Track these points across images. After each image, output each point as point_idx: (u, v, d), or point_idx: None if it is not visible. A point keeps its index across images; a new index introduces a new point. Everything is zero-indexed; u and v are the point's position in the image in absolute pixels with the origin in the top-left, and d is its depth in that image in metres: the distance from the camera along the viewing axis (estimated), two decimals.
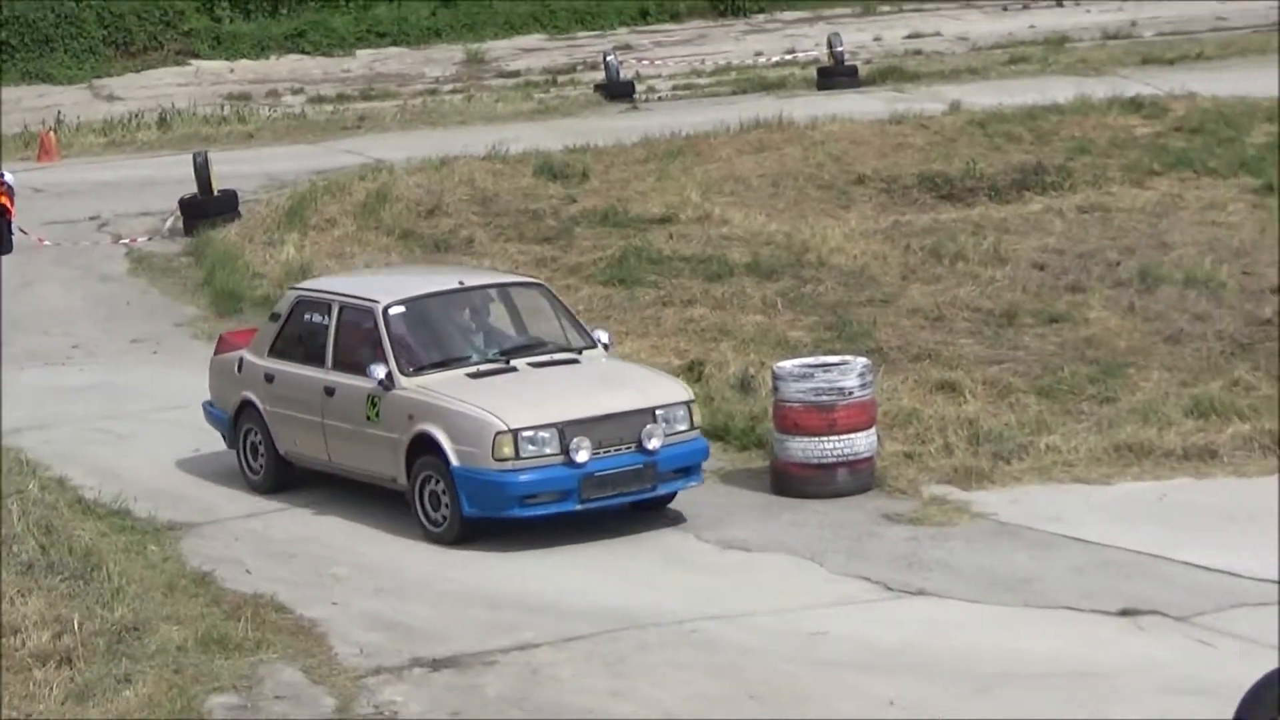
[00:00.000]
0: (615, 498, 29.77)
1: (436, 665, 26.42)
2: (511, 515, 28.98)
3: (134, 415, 40.40)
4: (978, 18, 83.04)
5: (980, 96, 62.49)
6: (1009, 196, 49.10)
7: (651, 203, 49.01)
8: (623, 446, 29.18)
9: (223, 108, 72.71)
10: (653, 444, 29.30)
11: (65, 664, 25.50)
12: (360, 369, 29.94)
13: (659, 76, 70.21)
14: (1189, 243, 43.54)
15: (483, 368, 30.36)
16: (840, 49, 69.33)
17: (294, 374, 30.72)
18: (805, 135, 57.14)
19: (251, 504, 33.96)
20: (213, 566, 30.72)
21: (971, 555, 31.01)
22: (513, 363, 30.77)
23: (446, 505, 29.04)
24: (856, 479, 34.40)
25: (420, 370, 29.75)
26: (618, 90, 66.17)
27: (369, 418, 29.58)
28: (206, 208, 54.80)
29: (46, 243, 57.01)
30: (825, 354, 38.14)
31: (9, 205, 54.77)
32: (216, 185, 53.92)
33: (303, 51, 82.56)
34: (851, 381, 34.02)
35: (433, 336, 30.56)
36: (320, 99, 72.58)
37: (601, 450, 28.96)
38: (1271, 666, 21.81)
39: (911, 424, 36.76)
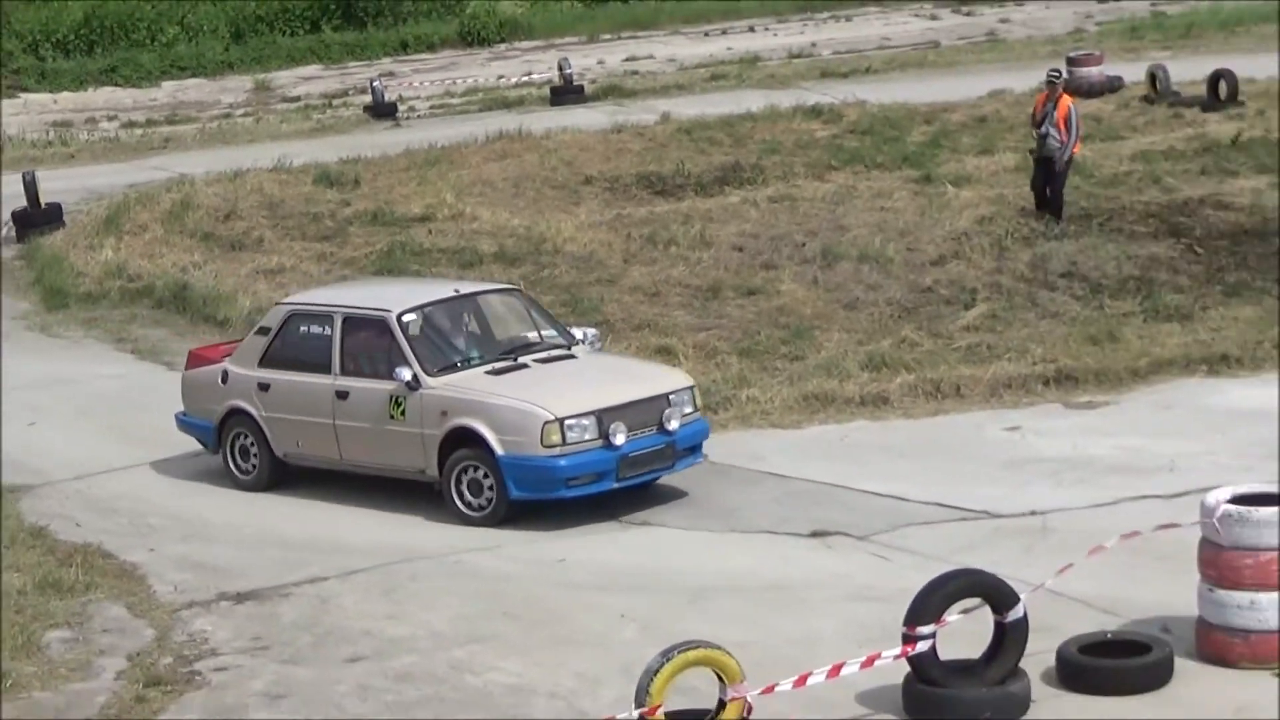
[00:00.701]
0: (643, 476, 29.36)
1: (239, 598, 26.54)
2: (557, 496, 28.37)
3: None
4: (684, 42, 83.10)
5: (687, 108, 62.73)
6: (712, 191, 49.33)
7: (413, 204, 49.18)
8: (648, 429, 28.86)
9: (48, 133, 72.19)
10: (672, 425, 29.17)
11: None
12: (374, 373, 29.30)
13: (418, 98, 70.36)
14: (862, 225, 44.00)
15: (497, 365, 29.60)
16: (569, 71, 69.65)
17: (296, 381, 29.73)
18: (541, 144, 57.28)
19: (78, 468, 33.41)
20: (47, 522, 30.41)
21: (687, 490, 31.06)
22: (520, 360, 30.09)
23: (489, 490, 28.18)
24: None
25: (444, 370, 28.90)
26: (383, 110, 66.44)
27: (392, 416, 28.78)
28: (35, 219, 53.14)
29: None
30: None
31: None
32: (44, 199, 53.32)
33: (116, 84, 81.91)
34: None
35: (445, 340, 29.79)
36: (132, 124, 72.11)
37: (632, 433, 28.59)
38: (935, 574, 22.46)
39: None
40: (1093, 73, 58.47)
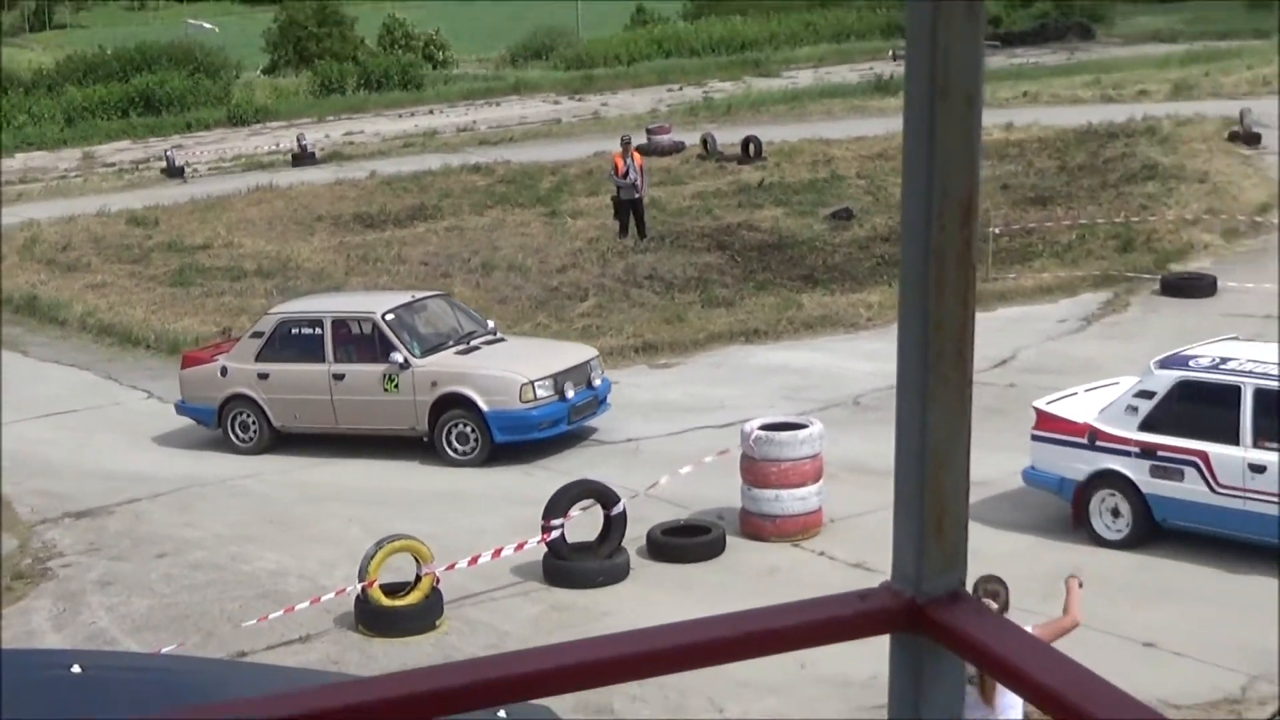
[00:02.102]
0: (581, 420, 28.52)
1: (78, 516, 26.24)
2: (531, 439, 27.54)
3: None
4: (385, 122, 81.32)
5: (387, 167, 61.38)
6: (405, 224, 48.99)
7: (197, 237, 48.07)
8: (581, 386, 28.21)
9: None
10: (596, 383, 28.67)
11: None
12: (363, 359, 28.42)
13: (199, 163, 68.56)
14: (509, 246, 43.49)
15: (459, 348, 28.67)
16: (305, 143, 68.44)
17: (293, 370, 28.53)
18: (286, 194, 55.76)
19: None
20: None
21: None
22: (473, 343, 29.05)
23: (475, 438, 27.48)
24: None
25: (427, 353, 28.05)
26: (174, 172, 64.63)
27: (386, 389, 27.91)
28: None
29: None
30: None
31: None
32: None
33: None
34: None
35: (416, 331, 28.69)
36: None
37: (574, 389, 28.20)
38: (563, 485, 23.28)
39: None
40: (664, 139, 58.70)
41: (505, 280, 39.41)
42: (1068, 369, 29.72)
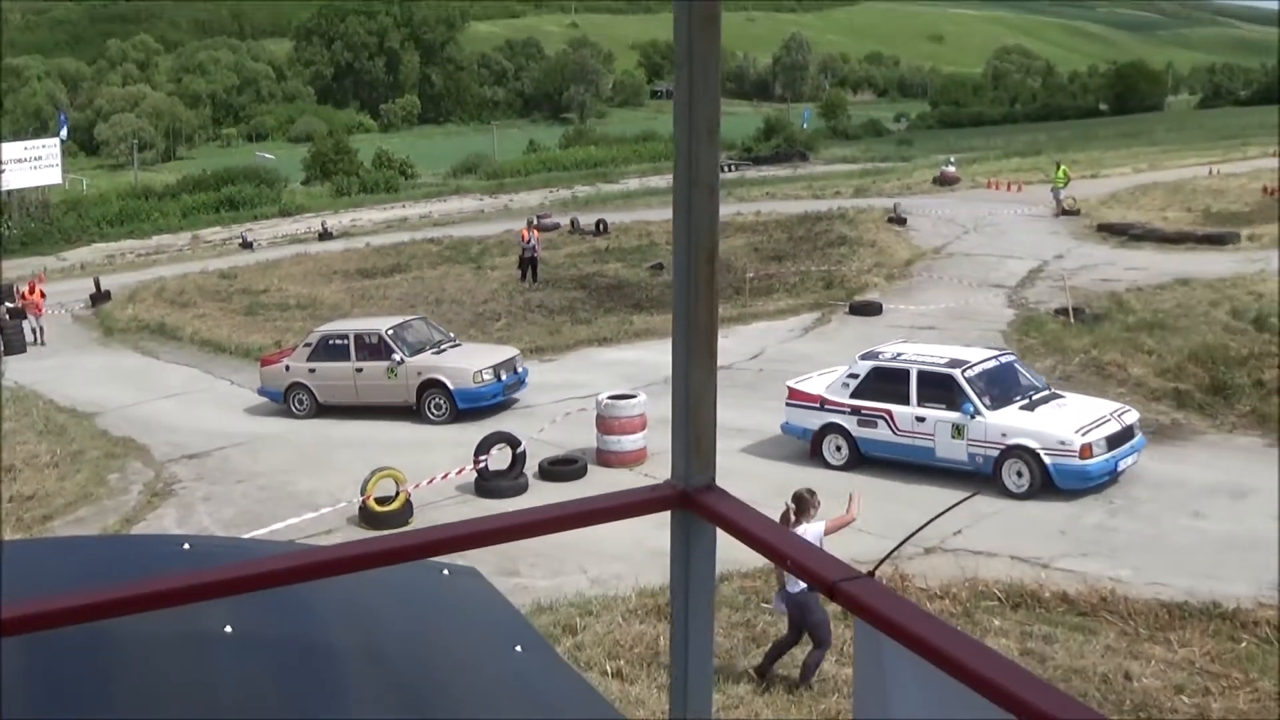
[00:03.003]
0: (510, 395, 28.21)
1: (190, 457, 25.64)
2: (481, 406, 27.19)
3: None
4: (376, 212, 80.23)
5: (378, 240, 61.11)
6: (388, 275, 48.30)
7: (260, 285, 47.62)
8: (510, 373, 27.90)
9: None
10: (520, 370, 28.31)
11: None
12: (374, 358, 28.11)
13: (262, 239, 67.65)
14: (452, 288, 43.17)
15: (433, 351, 28.48)
16: (327, 226, 68.35)
17: (331, 367, 28.41)
18: (315, 258, 55.58)
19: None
20: (105, 428, 28.58)
21: None
22: (441, 348, 28.85)
23: (445, 409, 27.34)
24: None
25: (414, 354, 27.97)
26: (246, 245, 64.29)
27: (389, 377, 27.83)
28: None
29: None
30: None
31: None
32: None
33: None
34: None
35: (407, 341, 28.41)
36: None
37: (506, 374, 27.86)
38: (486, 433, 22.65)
39: None
40: (548, 221, 58.50)
41: (450, 309, 39.13)
42: (794, 359, 29.75)
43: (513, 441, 22.53)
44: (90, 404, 30.85)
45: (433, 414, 27.71)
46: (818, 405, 22.50)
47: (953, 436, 20.89)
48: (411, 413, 27.79)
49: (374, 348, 28.47)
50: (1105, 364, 26.82)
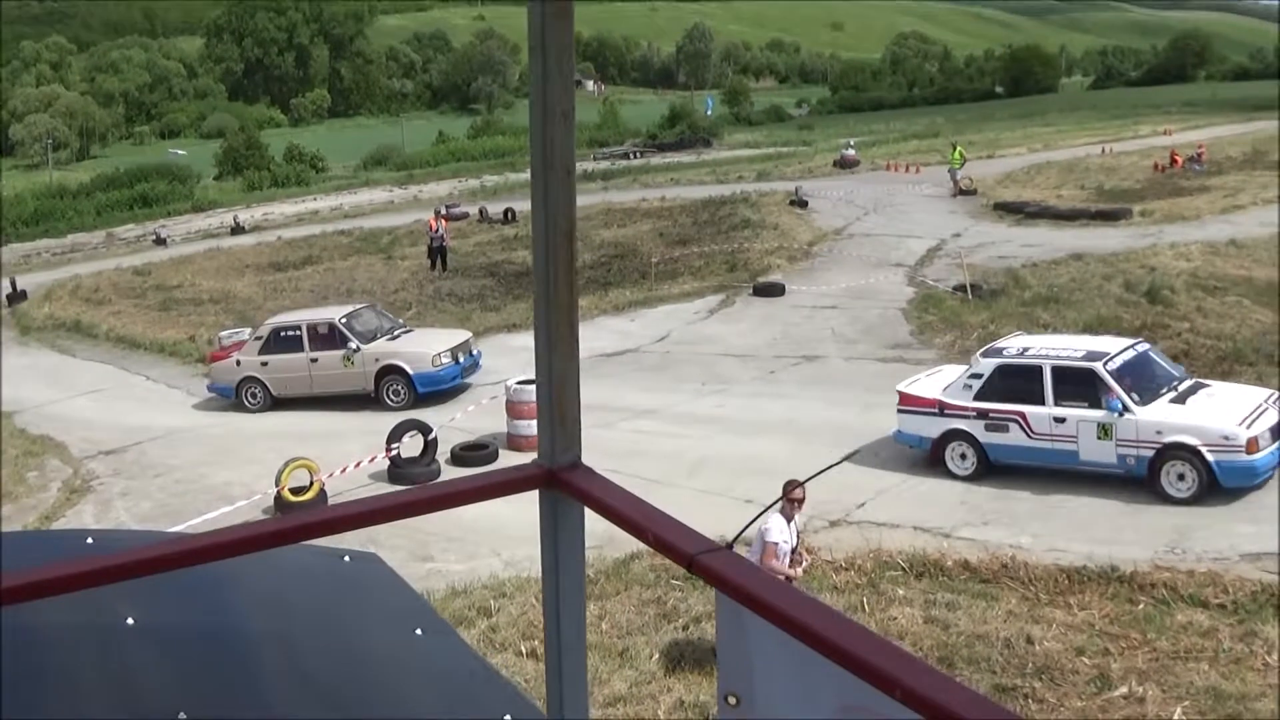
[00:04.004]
0: (467, 378, 27.54)
1: (108, 453, 25.25)
2: (440, 389, 26.75)
3: None
4: (287, 206, 79.88)
5: (289, 234, 60.73)
6: (300, 268, 48.33)
7: (174, 281, 46.97)
8: (465, 355, 27.30)
9: None
10: (475, 352, 27.76)
11: None
12: (329, 347, 27.52)
13: (176, 235, 67.30)
14: (363, 278, 43.01)
15: (388, 337, 27.96)
16: (239, 220, 67.98)
17: (284, 359, 27.73)
18: (227, 252, 55.41)
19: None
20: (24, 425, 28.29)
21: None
22: (395, 334, 28.38)
23: (404, 393, 26.74)
24: None
25: (369, 341, 27.45)
26: (160, 242, 62.43)
27: (346, 365, 27.22)
28: None
29: None
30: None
31: None
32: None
33: None
34: None
35: (362, 328, 27.88)
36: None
37: (463, 357, 27.38)
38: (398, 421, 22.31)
39: None
40: (456, 211, 58.32)
41: (361, 300, 38.59)
42: (700, 341, 30.02)
43: (424, 429, 22.57)
44: (8, 402, 30.50)
45: (391, 400, 27.21)
46: (935, 410, 19.95)
47: (1099, 437, 18.60)
48: (370, 400, 27.43)
49: (327, 337, 28.03)
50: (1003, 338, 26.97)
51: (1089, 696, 12.31)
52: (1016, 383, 19.41)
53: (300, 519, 2.40)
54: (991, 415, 19.36)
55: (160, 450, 25.41)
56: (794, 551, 12.48)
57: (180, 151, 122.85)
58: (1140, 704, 12.08)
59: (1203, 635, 13.47)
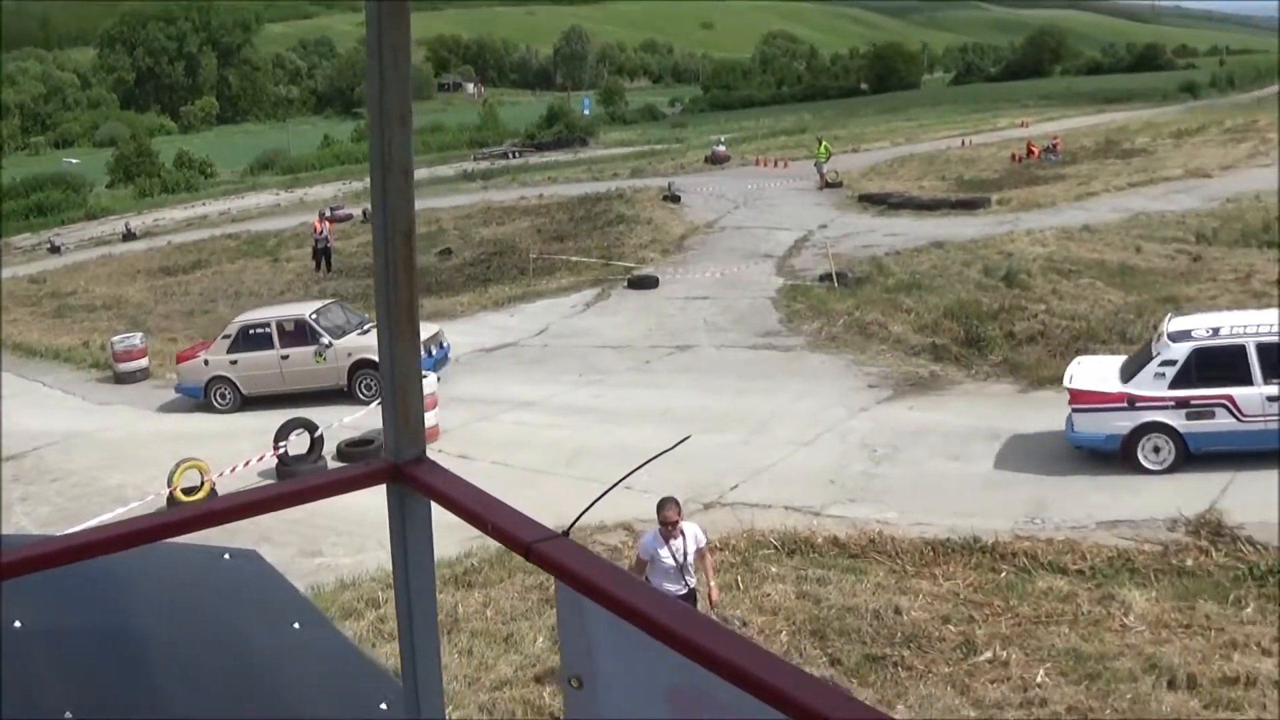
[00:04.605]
0: (439, 370, 25.82)
1: (6, 460, 23.75)
2: None
3: None
4: (178, 211, 78.58)
5: (179, 238, 60.08)
6: (190, 271, 48.10)
7: (68, 287, 46.19)
8: (437, 346, 26.19)
9: None
10: (446, 345, 26.76)
11: None
12: (298, 343, 26.56)
13: (70, 243, 66.04)
14: (251, 280, 42.77)
15: (358, 332, 26.69)
16: (131, 227, 66.88)
17: (254, 356, 26.73)
18: (120, 259, 54.48)
19: None
20: None
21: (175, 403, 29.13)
22: (366, 328, 26.90)
23: (377, 388, 24.24)
24: None
25: (340, 336, 26.46)
26: (55, 250, 61.77)
27: (318, 361, 26.27)
28: None
29: None
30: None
31: None
32: None
33: None
34: None
35: (332, 323, 26.87)
36: None
37: (435, 349, 26.00)
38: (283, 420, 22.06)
39: None
40: (341, 213, 57.76)
41: (249, 301, 38.40)
42: (577, 334, 29.98)
43: (310, 426, 22.30)
44: None
45: (364, 394, 26.25)
46: (1124, 405, 18.14)
47: None
48: (342, 395, 26.49)
49: (296, 334, 27.15)
50: (868, 323, 27.32)
51: (955, 662, 12.45)
52: (1217, 366, 17.93)
53: (154, 520, 2.34)
54: (1194, 403, 17.82)
55: (57, 455, 24.86)
56: (683, 568, 12.01)
57: (74, 161, 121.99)
58: (1005, 667, 12.26)
59: (1062, 600, 13.72)
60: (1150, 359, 18.39)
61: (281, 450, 21.78)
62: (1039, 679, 11.95)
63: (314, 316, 27.41)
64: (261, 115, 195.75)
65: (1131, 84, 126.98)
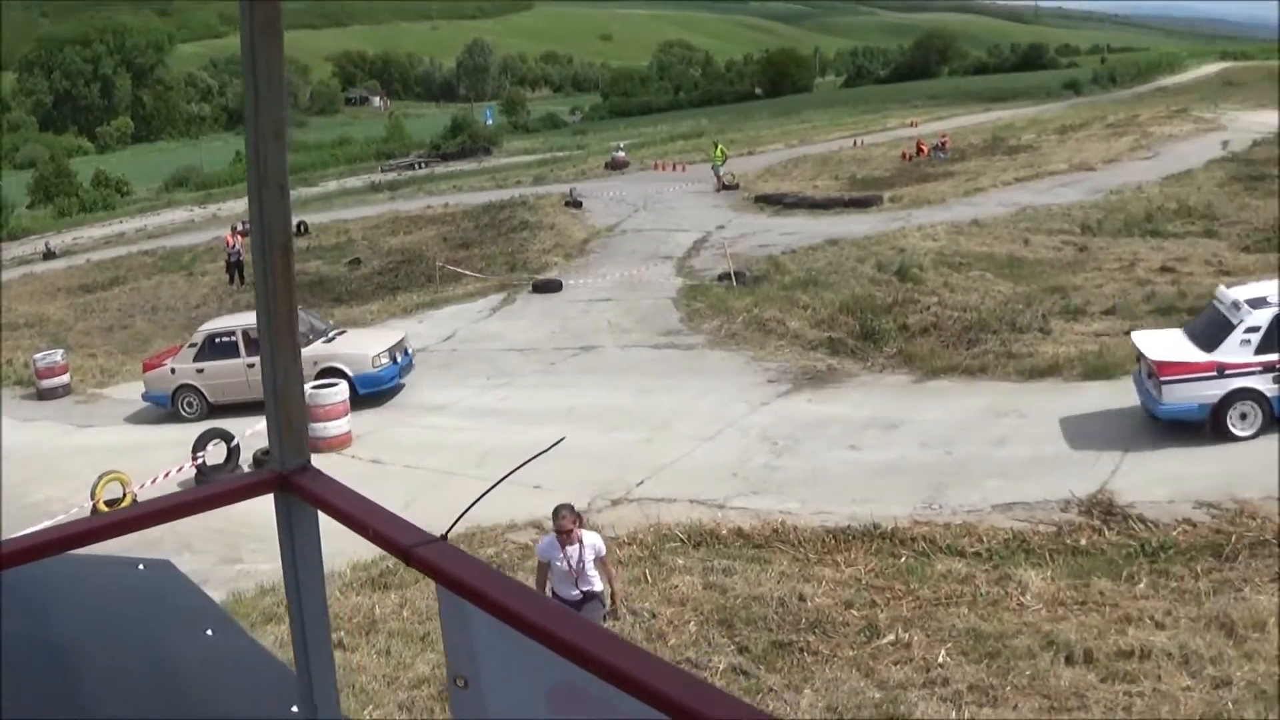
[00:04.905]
0: (402, 378, 25.61)
1: None
2: (379, 390, 24.91)
3: None
4: (96, 229, 77.46)
5: (98, 256, 59.07)
6: (108, 288, 47.28)
7: None
8: (401, 354, 25.31)
9: None
10: (410, 351, 25.99)
11: None
12: None
13: None
14: (168, 295, 42.14)
15: (324, 339, 25.96)
16: (51, 246, 66.07)
17: (221, 365, 25.95)
18: (40, 277, 53.26)
19: None
20: None
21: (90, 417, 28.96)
22: (330, 336, 26.45)
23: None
24: None
25: (305, 344, 25.33)
26: None
27: None
28: None
29: None
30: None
31: None
32: None
33: None
34: None
35: (300, 331, 26.21)
36: None
37: (400, 356, 25.58)
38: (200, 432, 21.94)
39: None
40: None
41: (165, 316, 38.19)
42: (484, 339, 29.85)
43: (226, 436, 22.08)
44: None
45: None
46: (1213, 374, 17.69)
47: None
48: None
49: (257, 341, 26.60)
50: (766, 320, 27.44)
51: (859, 645, 12.52)
52: None
53: (61, 531, 2.37)
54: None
55: None
56: (580, 574, 11.71)
57: None
58: (907, 649, 12.35)
59: (961, 582, 13.84)
60: (1230, 326, 17.93)
61: (200, 460, 21.57)
62: (940, 659, 12.02)
63: None
64: (175, 133, 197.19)
65: (1017, 83, 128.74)
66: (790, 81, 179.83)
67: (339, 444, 22.39)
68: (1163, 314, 24.58)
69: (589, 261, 39.17)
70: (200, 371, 26.62)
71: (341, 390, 23.00)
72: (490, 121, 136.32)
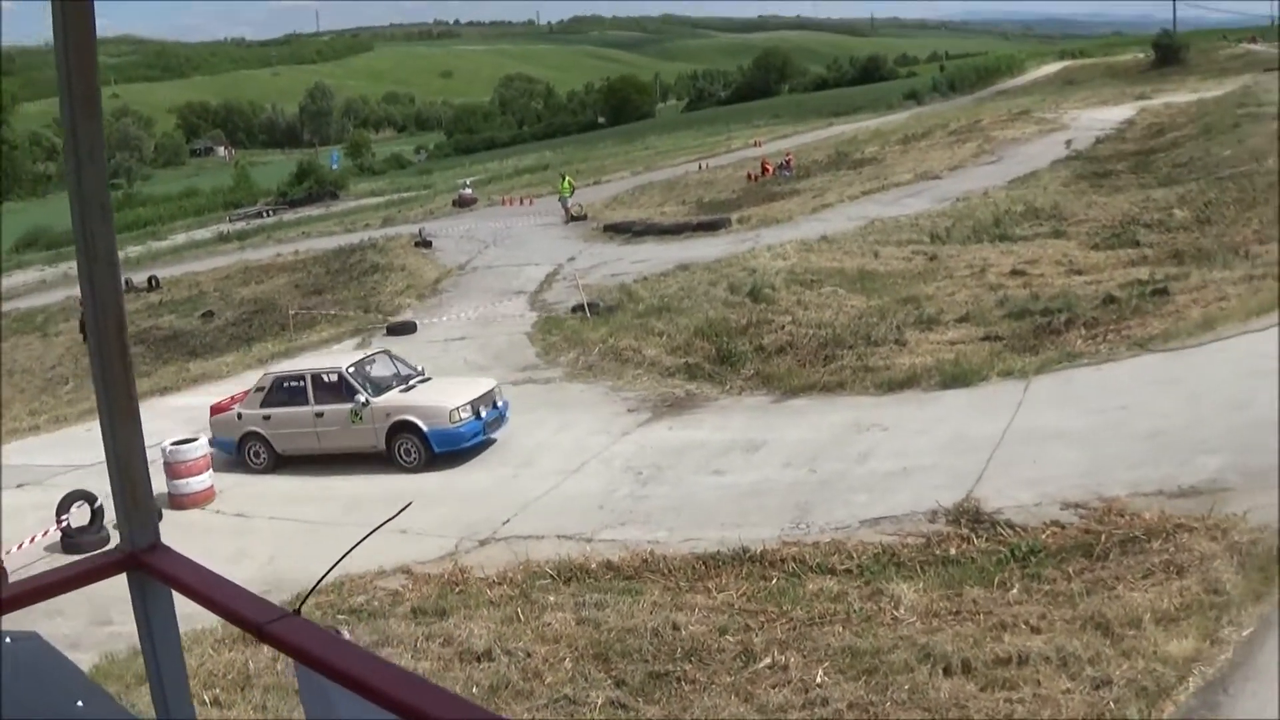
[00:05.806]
0: (491, 434, 23.24)
1: None
2: (458, 449, 22.60)
3: None
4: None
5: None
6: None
7: None
8: (488, 407, 24.50)
9: None
10: (500, 405, 24.62)
11: None
12: (335, 400, 23.57)
13: None
14: (22, 358, 41.27)
15: (402, 388, 23.79)
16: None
17: (288, 412, 23.88)
18: None
19: None
20: None
21: None
22: (411, 383, 24.15)
23: (417, 451, 22.59)
24: None
25: (379, 393, 23.33)
26: None
27: (353, 421, 23.26)
28: None
29: None
30: None
31: None
32: None
33: None
34: None
35: (370, 378, 23.67)
36: None
37: (485, 410, 24.86)
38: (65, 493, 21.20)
39: None
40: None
41: (22, 378, 37.43)
42: None
43: (89, 498, 21.30)
44: None
45: (404, 459, 23.42)
46: None
47: None
48: (382, 459, 23.69)
49: (334, 387, 24.27)
50: (622, 350, 27.43)
51: (736, 671, 12.45)
52: None
53: None
54: None
55: None
56: None
57: None
58: (784, 671, 12.29)
59: (833, 600, 13.80)
60: None
61: (65, 523, 20.76)
62: (818, 679, 11.99)
63: (351, 370, 24.63)
64: (22, 193, 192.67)
65: (857, 96, 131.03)
66: (633, 108, 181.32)
67: (203, 499, 21.95)
68: (1016, 318, 24.94)
69: (442, 301, 39.03)
70: (267, 418, 24.88)
71: (200, 446, 22.51)
72: (336, 165, 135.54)
